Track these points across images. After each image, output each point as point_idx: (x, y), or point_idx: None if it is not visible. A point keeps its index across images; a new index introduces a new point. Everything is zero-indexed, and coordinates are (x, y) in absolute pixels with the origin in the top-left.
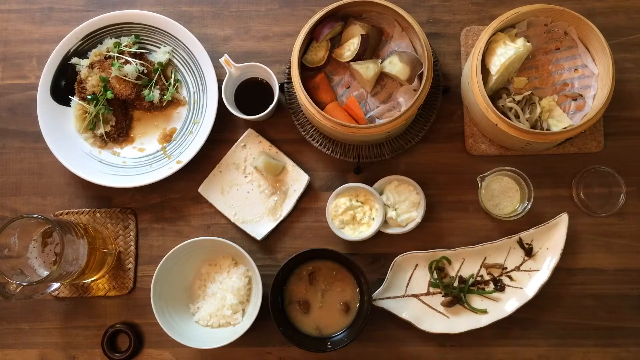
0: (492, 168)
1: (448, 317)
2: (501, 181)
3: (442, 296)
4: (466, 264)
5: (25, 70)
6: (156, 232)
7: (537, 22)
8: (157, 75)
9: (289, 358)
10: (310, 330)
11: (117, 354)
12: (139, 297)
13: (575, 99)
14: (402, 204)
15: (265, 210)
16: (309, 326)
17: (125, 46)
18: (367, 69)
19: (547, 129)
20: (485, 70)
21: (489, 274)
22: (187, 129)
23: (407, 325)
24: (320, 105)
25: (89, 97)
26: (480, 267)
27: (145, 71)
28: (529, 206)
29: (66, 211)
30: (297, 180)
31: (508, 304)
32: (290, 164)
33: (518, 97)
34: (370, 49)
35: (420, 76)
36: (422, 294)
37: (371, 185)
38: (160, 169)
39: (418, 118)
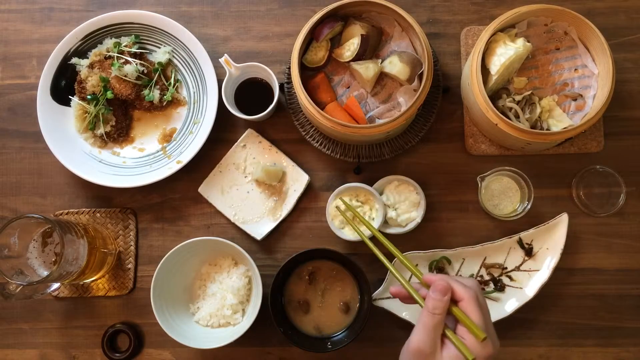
0: (492, 168)
1: None
2: (501, 181)
3: None
4: (466, 264)
5: (25, 70)
6: (156, 232)
7: (537, 22)
8: (157, 75)
9: (289, 358)
10: (310, 330)
11: (117, 354)
12: (139, 297)
13: (575, 99)
14: (402, 204)
15: (265, 210)
16: (309, 326)
17: (125, 46)
18: (367, 69)
19: (547, 129)
20: (485, 70)
21: (489, 274)
22: (187, 129)
23: (407, 325)
24: (320, 105)
25: (89, 97)
26: (480, 267)
27: (145, 71)
28: (529, 206)
29: (66, 211)
30: (297, 180)
31: (508, 304)
32: (290, 164)
33: (518, 97)
34: (370, 49)
35: (420, 76)
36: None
37: (371, 185)
38: (160, 169)
39: (418, 118)
